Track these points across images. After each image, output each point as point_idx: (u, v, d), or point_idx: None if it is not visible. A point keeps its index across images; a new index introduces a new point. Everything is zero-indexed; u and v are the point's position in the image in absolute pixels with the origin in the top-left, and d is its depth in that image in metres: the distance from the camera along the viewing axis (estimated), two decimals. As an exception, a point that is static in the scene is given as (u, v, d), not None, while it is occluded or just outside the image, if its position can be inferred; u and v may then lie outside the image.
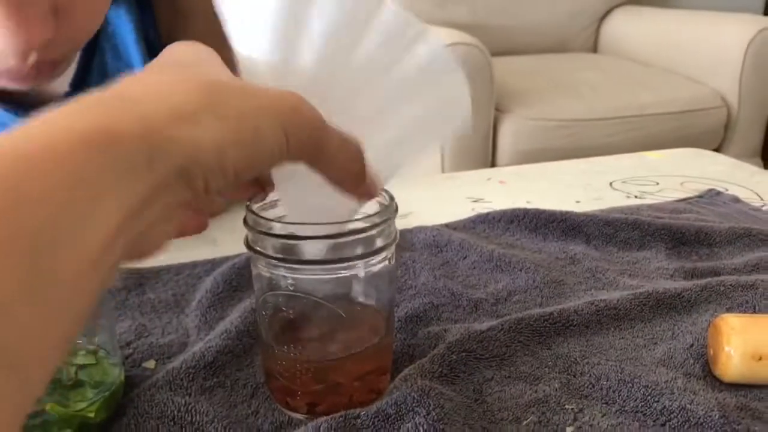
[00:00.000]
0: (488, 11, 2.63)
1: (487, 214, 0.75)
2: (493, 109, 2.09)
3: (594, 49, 2.85)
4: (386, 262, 0.45)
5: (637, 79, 2.36)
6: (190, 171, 0.27)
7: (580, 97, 2.21)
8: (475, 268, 0.65)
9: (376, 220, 0.42)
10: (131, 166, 0.25)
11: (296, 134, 0.31)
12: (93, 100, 0.27)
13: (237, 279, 0.62)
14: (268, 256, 0.43)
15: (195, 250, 0.71)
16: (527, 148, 2.10)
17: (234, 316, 0.56)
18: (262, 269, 0.45)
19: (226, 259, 0.67)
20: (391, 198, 0.44)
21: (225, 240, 0.74)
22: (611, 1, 2.80)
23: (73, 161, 0.23)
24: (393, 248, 0.45)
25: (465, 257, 0.67)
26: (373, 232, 0.42)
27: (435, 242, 0.69)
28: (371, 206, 0.43)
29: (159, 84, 0.29)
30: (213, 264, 0.66)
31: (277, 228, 0.42)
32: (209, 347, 0.51)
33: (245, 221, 0.44)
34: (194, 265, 0.67)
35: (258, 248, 0.43)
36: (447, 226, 0.74)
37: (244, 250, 0.66)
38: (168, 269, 0.66)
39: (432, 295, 0.60)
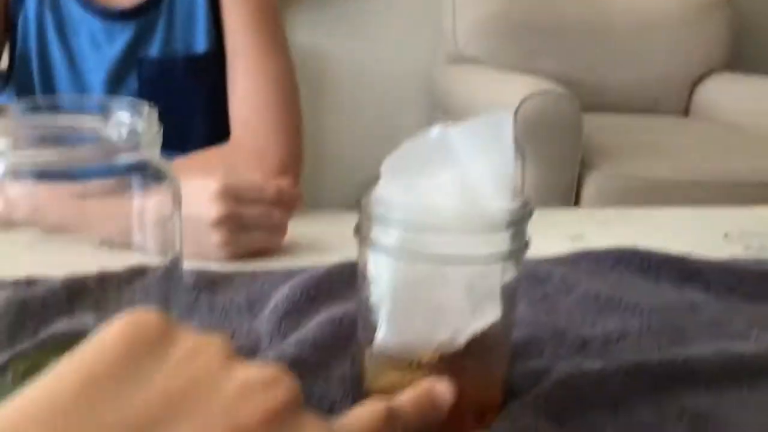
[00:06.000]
0: (578, 67, 2.57)
1: (591, 251, 0.68)
2: (578, 163, 2.01)
3: (685, 113, 2.75)
4: (514, 273, 0.39)
5: (731, 146, 2.25)
6: None
7: (669, 158, 2.12)
8: (579, 305, 0.58)
9: (509, 217, 0.37)
10: None
11: None
12: None
13: (315, 290, 0.57)
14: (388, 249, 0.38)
15: (269, 260, 0.67)
16: (611, 206, 2.01)
17: (311, 326, 0.50)
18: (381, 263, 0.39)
19: (304, 270, 0.61)
20: (527, 201, 0.39)
21: (302, 252, 0.69)
22: (706, 66, 2.70)
23: None
24: (522, 258, 0.39)
25: (568, 294, 0.60)
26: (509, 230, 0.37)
27: (534, 275, 0.62)
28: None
29: None
30: (290, 273, 0.61)
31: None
32: (284, 355, 0.46)
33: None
34: (270, 273, 0.61)
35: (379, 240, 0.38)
36: (546, 260, 0.67)
37: (319, 262, 0.62)
38: (242, 274, 0.61)
39: (532, 328, 0.53)
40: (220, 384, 0.26)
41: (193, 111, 0.90)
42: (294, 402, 0.27)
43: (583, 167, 2.05)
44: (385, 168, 0.39)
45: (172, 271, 0.41)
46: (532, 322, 0.54)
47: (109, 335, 0.27)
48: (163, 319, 0.28)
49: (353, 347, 0.49)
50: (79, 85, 0.90)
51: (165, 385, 0.26)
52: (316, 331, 0.49)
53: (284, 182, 0.68)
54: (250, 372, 0.27)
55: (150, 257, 0.40)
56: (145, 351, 0.26)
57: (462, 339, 0.39)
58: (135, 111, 0.39)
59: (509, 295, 0.40)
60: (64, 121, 0.37)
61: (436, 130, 0.40)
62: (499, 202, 0.38)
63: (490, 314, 0.39)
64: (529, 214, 0.39)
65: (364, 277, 0.40)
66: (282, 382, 0.27)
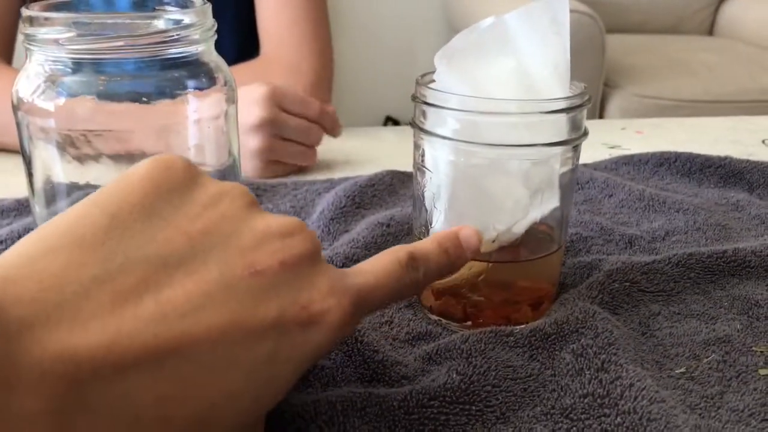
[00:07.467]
0: (600, -13, 2.50)
1: (632, 155, 0.68)
2: (602, 83, 1.98)
3: (709, 32, 2.69)
4: (570, 164, 0.39)
5: (757, 64, 2.20)
6: None
7: (695, 77, 2.08)
8: (623, 206, 0.58)
9: (564, 104, 0.36)
10: None
11: None
12: None
13: (360, 197, 0.57)
14: (447, 138, 0.38)
15: (310, 173, 0.67)
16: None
17: (360, 228, 0.51)
18: (439, 154, 0.39)
19: (346, 179, 0.62)
20: (585, 88, 0.39)
21: (339, 166, 0.69)
22: (732, -17, 2.63)
23: None
24: (580, 148, 0.39)
25: (611, 195, 0.60)
26: (565, 115, 0.37)
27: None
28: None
29: None
30: (332, 183, 0.61)
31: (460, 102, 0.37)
32: (336, 254, 0.46)
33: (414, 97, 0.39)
34: (313, 182, 0.62)
35: (436, 130, 0.38)
36: (585, 166, 0.67)
37: (359, 174, 0.62)
38: (285, 184, 0.61)
39: (578, 227, 0.53)
40: (240, 229, 0.26)
41: (219, 28, 0.89)
42: (311, 252, 0.27)
43: (606, 88, 2.03)
44: (440, 58, 0.38)
45: (229, 174, 0.41)
46: (577, 222, 0.54)
47: (137, 175, 0.26)
48: (189, 164, 0.28)
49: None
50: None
51: (187, 226, 0.26)
52: (366, 233, 0.49)
53: (329, 107, 0.68)
54: (270, 221, 0.27)
55: (207, 159, 0.40)
56: (170, 192, 0.26)
57: (520, 229, 0.39)
58: (187, 6, 0.38)
59: (567, 184, 0.40)
60: (117, 17, 0.37)
61: (490, 19, 0.39)
62: (557, 89, 0.38)
63: (548, 202, 0.39)
64: (588, 102, 0.38)
65: (421, 169, 0.40)
66: (300, 233, 0.28)
